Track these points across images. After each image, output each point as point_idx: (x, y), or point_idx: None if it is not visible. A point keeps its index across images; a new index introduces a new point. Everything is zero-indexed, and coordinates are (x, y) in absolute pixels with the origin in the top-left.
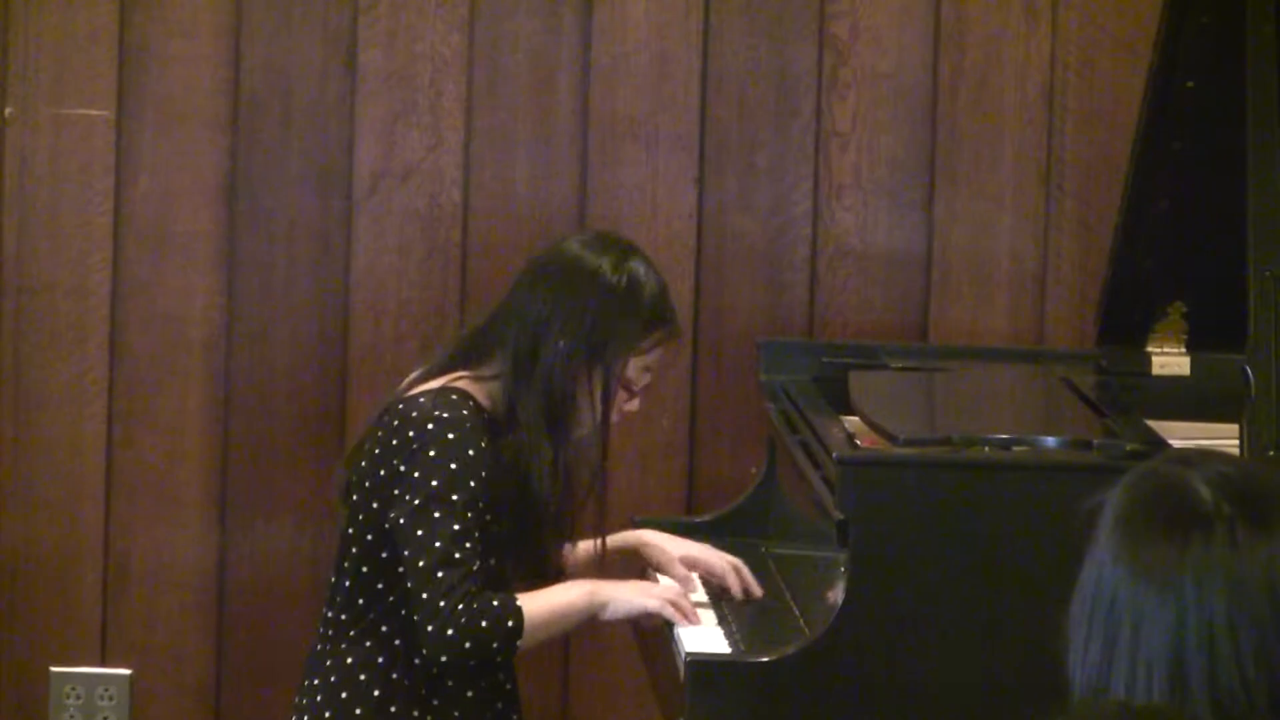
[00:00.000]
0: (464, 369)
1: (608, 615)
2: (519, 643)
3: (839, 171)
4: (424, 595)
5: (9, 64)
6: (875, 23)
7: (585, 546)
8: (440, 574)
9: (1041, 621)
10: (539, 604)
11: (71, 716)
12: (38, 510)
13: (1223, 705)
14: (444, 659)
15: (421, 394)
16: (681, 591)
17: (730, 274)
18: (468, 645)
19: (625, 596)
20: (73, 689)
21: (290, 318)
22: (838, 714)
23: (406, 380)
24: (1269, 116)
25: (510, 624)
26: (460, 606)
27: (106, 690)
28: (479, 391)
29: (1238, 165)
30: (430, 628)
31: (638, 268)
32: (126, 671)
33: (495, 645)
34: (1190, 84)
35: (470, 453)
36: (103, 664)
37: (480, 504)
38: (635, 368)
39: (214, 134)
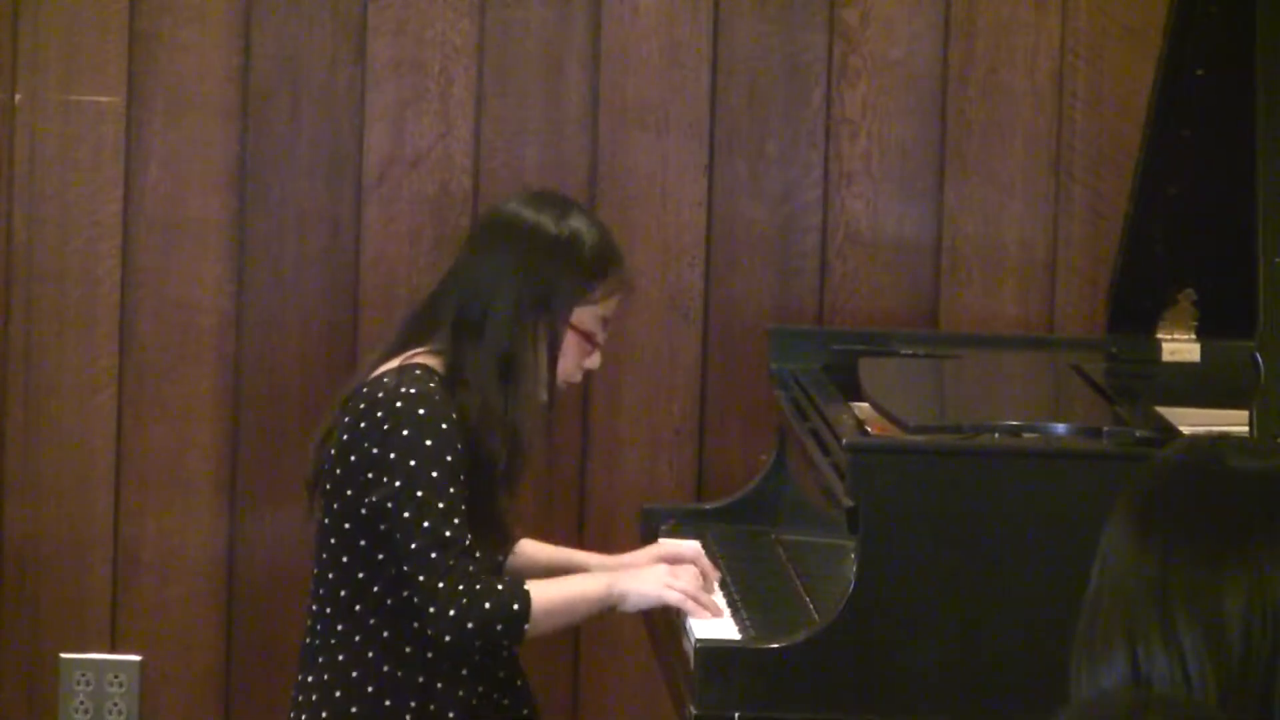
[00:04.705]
0: (419, 344)
1: (626, 608)
2: (527, 626)
3: (849, 159)
4: (421, 579)
5: (18, 50)
6: (885, 10)
7: (542, 557)
8: (434, 555)
9: (1050, 608)
10: (550, 590)
11: (81, 703)
12: (48, 497)
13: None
14: (448, 639)
15: (384, 375)
16: (699, 582)
17: (740, 261)
18: (470, 626)
19: (643, 589)
20: (83, 676)
21: (300, 305)
22: (847, 701)
23: (365, 364)
24: (1279, 104)
25: (516, 606)
26: (461, 587)
27: (116, 677)
28: (438, 364)
29: (1247, 153)
30: (432, 609)
31: (578, 219)
32: (136, 658)
33: (500, 628)
34: (1200, 71)
35: (444, 426)
36: (113, 651)
37: (461, 477)
38: (591, 320)
39: (224, 121)
